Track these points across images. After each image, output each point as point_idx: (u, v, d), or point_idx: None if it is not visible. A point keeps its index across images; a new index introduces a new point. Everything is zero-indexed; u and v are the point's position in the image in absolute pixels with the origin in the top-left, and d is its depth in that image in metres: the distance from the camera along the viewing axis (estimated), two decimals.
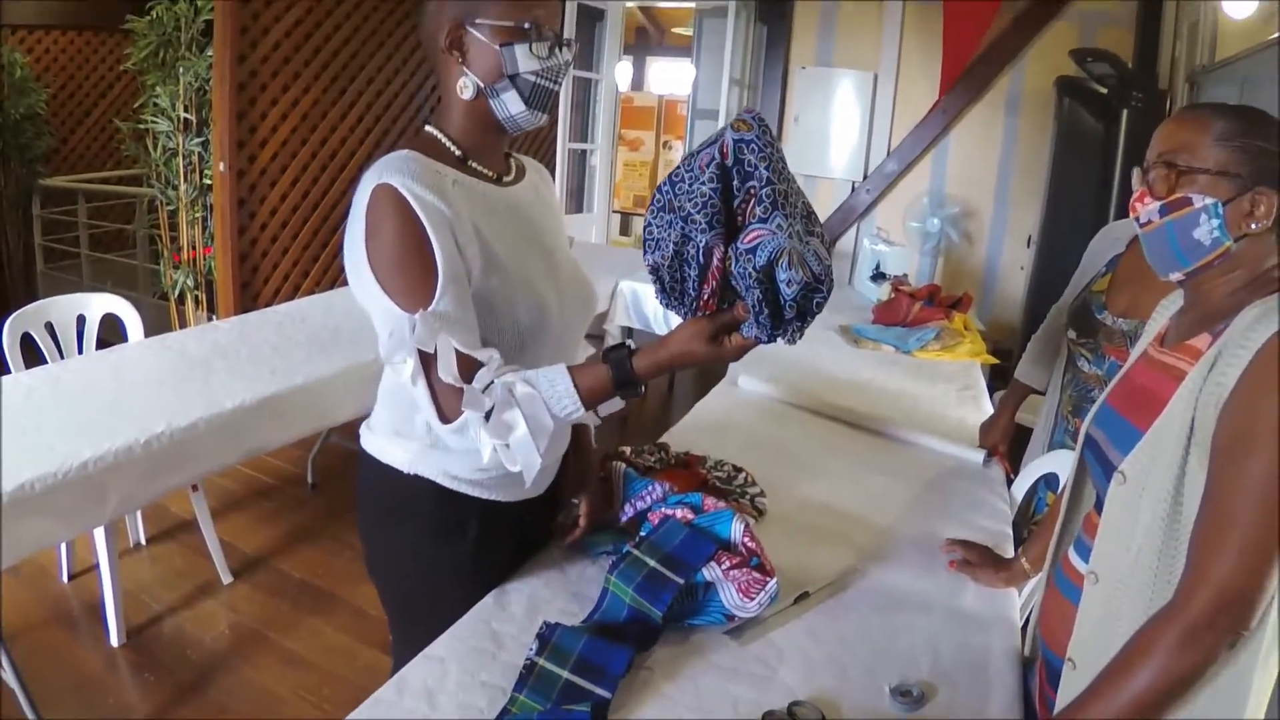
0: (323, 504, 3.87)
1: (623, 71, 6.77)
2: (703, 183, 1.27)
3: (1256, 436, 1.07)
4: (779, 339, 1.28)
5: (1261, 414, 1.07)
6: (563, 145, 5.99)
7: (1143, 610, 1.17)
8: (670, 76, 9.44)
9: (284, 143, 4.56)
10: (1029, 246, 5.50)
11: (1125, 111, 4.52)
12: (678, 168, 1.33)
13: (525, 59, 1.37)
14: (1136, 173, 1.30)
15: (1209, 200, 1.19)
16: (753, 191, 1.26)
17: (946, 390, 2.97)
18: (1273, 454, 1.06)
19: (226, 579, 3.21)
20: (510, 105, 1.41)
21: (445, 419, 1.31)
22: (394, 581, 1.60)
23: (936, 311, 3.62)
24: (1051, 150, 5.14)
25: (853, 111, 5.87)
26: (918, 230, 5.58)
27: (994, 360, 3.52)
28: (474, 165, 1.45)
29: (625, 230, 9.03)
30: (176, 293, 4.90)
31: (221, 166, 4.42)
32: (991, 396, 3.94)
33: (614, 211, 7.18)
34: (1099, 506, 1.36)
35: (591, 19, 6.39)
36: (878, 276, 4.36)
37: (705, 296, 1.29)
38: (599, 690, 1.26)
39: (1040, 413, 2.49)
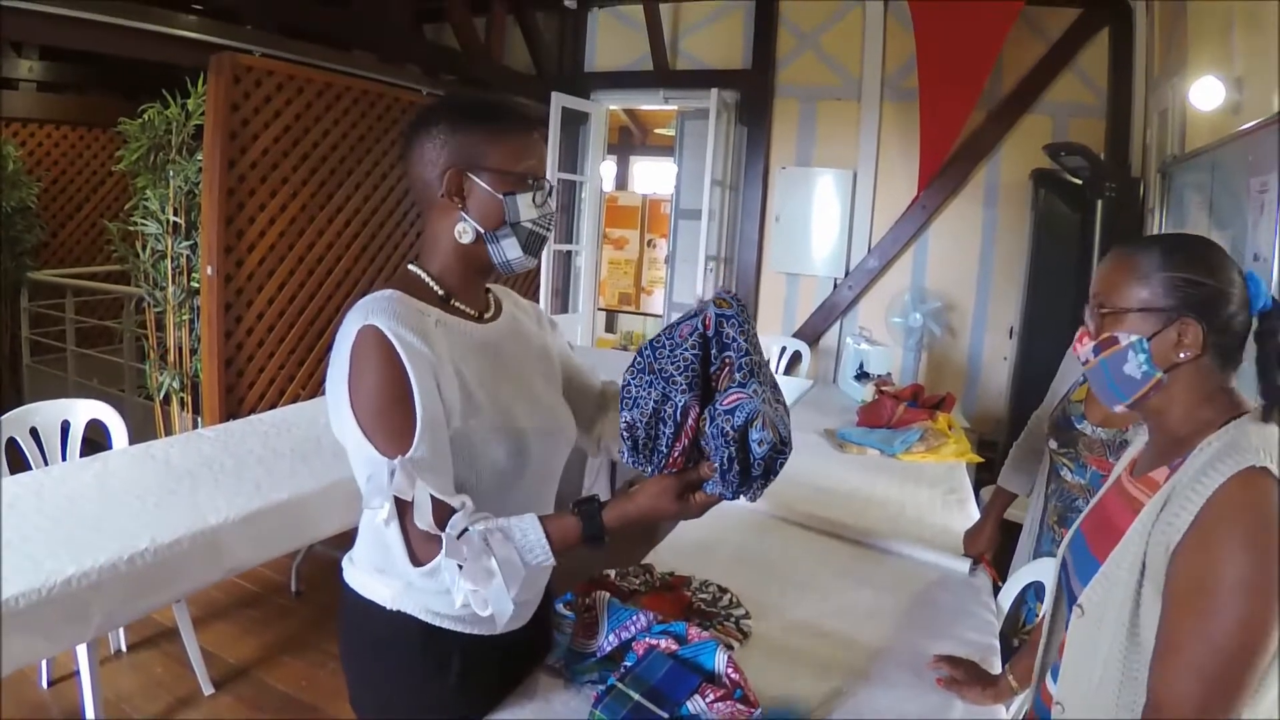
0: (307, 613, 3.82)
1: (607, 171, 6.90)
2: (685, 349, 1.37)
3: (1215, 589, 1.10)
4: (742, 496, 1.35)
5: (1218, 567, 1.10)
6: (549, 247, 6.07)
7: None
8: (653, 176, 9.60)
9: (271, 248, 4.61)
10: (1011, 337, 5.58)
11: (1100, 201, 4.64)
12: (659, 335, 1.42)
13: (526, 207, 1.44)
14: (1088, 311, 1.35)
15: (1134, 337, 1.25)
16: (729, 361, 1.37)
17: (932, 495, 2.98)
18: (1232, 607, 1.09)
19: (208, 690, 3.16)
20: (508, 251, 1.46)
21: (417, 562, 1.33)
22: (378, 717, 1.59)
23: (920, 412, 3.65)
24: (1030, 241, 5.26)
25: (833, 209, 5.98)
26: (900, 325, 5.65)
27: (979, 459, 3.55)
28: (456, 304, 1.49)
29: (610, 328, 9.09)
30: (162, 394, 4.91)
31: (209, 270, 4.45)
32: (978, 493, 3.96)
33: (599, 309, 7.25)
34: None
35: (575, 121, 6.52)
36: (861, 376, 4.41)
37: (676, 454, 1.36)
38: None
39: (1026, 516, 2.50)
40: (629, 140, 10.38)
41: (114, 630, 3.27)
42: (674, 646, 1.56)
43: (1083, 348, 1.33)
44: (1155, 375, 1.25)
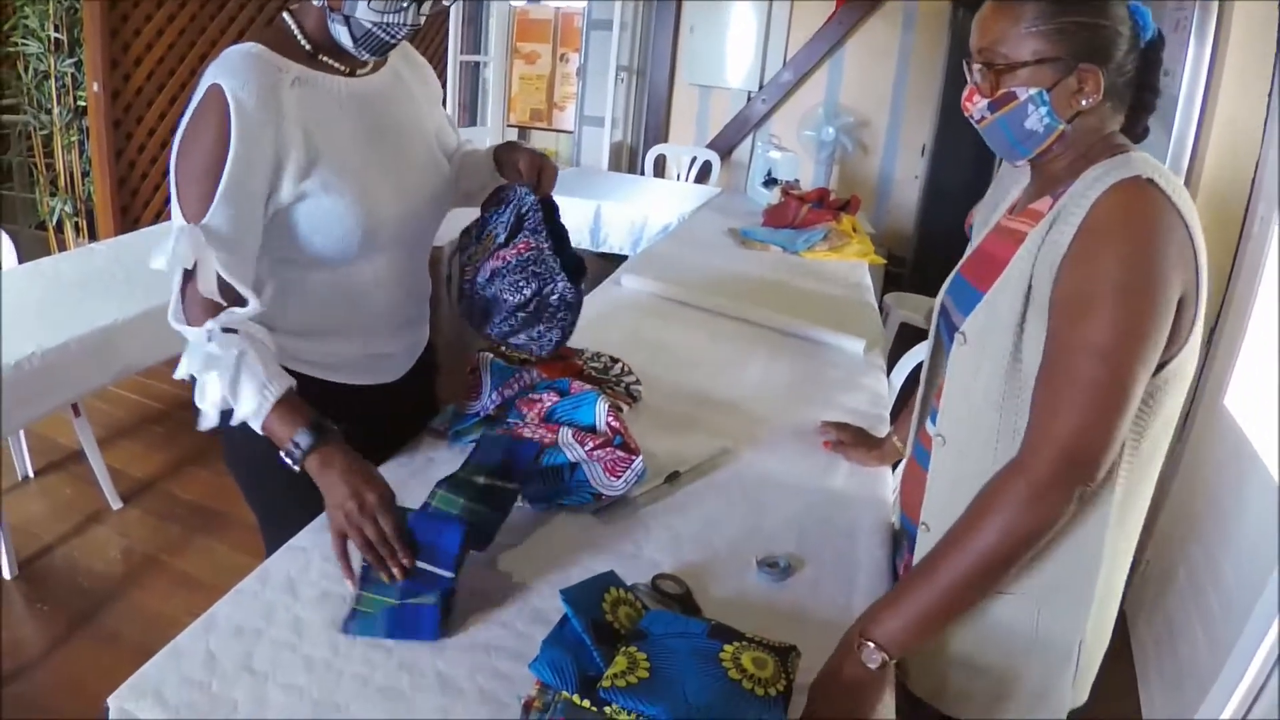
0: None
1: None
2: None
3: (1095, 293, 1.09)
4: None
5: (1098, 270, 1.09)
6: (454, 57, 5.84)
7: (987, 469, 1.19)
8: None
9: (160, 60, 4.39)
10: (923, 155, 5.58)
11: None
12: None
13: (363, 6, 1.32)
14: (965, 66, 1.29)
15: (1033, 90, 1.19)
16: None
17: (833, 288, 3.01)
18: (1111, 310, 1.08)
19: (116, 505, 3.16)
20: (341, 36, 1.37)
21: (181, 320, 1.32)
22: (246, 475, 1.60)
23: (825, 214, 3.65)
24: (945, 62, 5.21)
25: (748, 22, 5.83)
26: (812, 139, 5.61)
27: (881, 261, 3.58)
28: (324, 59, 1.42)
29: None
30: (55, 221, 4.74)
31: (95, 87, 4.25)
32: (882, 299, 4.03)
33: (510, 125, 7.06)
34: None
35: None
36: (769, 182, 4.37)
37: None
38: (440, 571, 1.25)
39: None
40: None
41: (13, 436, 3.23)
42: (555, 399, 1.57)
43: (974, 105, 1.27)
44: (1058, 127, 1.21)
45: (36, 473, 3.37)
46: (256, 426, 1.31)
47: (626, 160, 6.34)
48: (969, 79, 1.27)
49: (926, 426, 1.43)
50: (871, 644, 1.14)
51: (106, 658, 2.50)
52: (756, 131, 6.01)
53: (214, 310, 1.28)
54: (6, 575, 2.79)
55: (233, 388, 1.28)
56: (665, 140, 6.17)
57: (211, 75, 1.29)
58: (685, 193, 4.75)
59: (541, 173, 1.58)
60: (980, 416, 1.25)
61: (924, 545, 1.32)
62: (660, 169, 5.95)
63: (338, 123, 1.41)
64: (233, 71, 1.29)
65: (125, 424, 3.77)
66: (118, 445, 3.59)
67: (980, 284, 1.30)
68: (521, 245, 1.53)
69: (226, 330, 1.28)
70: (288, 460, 1.30)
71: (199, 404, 1.31)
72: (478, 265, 1.57)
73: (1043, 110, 1.20)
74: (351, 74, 1.45)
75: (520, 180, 1.56)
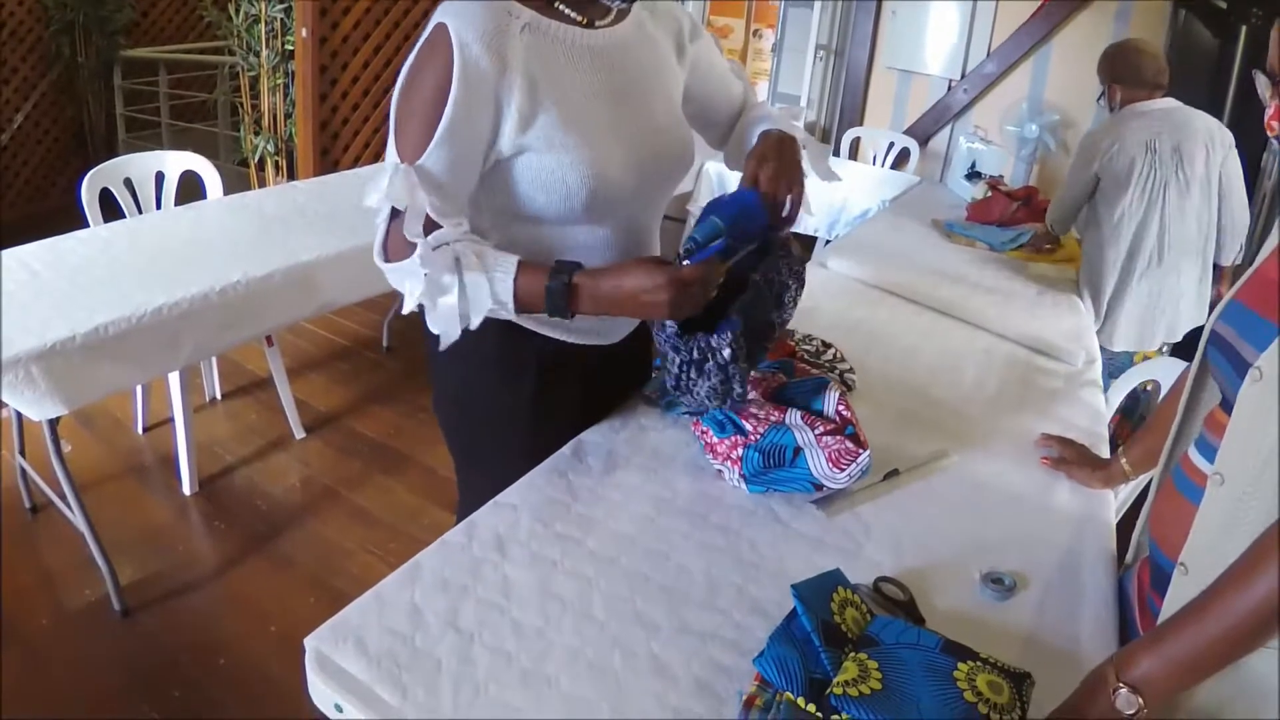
0: (397, 367, 3.89)
1: None
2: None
3: None
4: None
5: None
6: None
7: (1270, 518, 1.07)
8: None
9: (367, 10, 4.48)
10: None
11: (1244, 27, 4.20)
12: None
13: None
14: (1261, 80, 1.16)
15: None
16: None
17: (1040, 291, 2.83)
18: None
19: (299, 434, 3.25)
20: None
21: (385, 258, 1.29)
22: (455, 420, 1.57)
23: (1033, 214, 3.47)
24: None
25: (952, 8, 5.59)
26: (1014, 135, 5.35)
27: None
28: (561, 6, 1.33)
29: None
30: (257, 158, 4.90)
31: (304, 32, 4.36)
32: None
33: None
34: (1226, 406, 1.25)
35: None
36: (973, 175, 4.20)
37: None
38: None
39: None
40: None
41: (205, 360, 3.34)
42: (782, 379, 1.48)
43: None
44: None
45: (224, 395, 3.50)
46: (511, 314, 1.28)
47: (819, 140, 6.13)
48: (1271, 95, 1.15)
49: (1194, 458, 1.29)
50: (1126, 688, 1.03)
51: (278, 581, 2.57)
52: (956, 122, 5.77)
53: (413, 247, 1.25)
54: (186, 491, 2.90)
55: (462, 295, 1.24)
56: (861, 123, 5.97)
57: (440, 13, 1.25)
58: (884, 179, 4.61)
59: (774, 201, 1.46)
60: (1269, 460, 1.11)
61: (1180, 587, 1.18)
62: (854, 152, 5.77)
63: (568, 76, 1.33)
64: (460, 11, 1.24)
65: (313, 357, 3.88)
66: (303, 377, 3.69)
67: (1271, 314, 1.16)
68: None
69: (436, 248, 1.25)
70: (557, 315, 1.26)
71: (434, 329, 1.28)
72: None
73: None
74: (590, 24, 1.36)
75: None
